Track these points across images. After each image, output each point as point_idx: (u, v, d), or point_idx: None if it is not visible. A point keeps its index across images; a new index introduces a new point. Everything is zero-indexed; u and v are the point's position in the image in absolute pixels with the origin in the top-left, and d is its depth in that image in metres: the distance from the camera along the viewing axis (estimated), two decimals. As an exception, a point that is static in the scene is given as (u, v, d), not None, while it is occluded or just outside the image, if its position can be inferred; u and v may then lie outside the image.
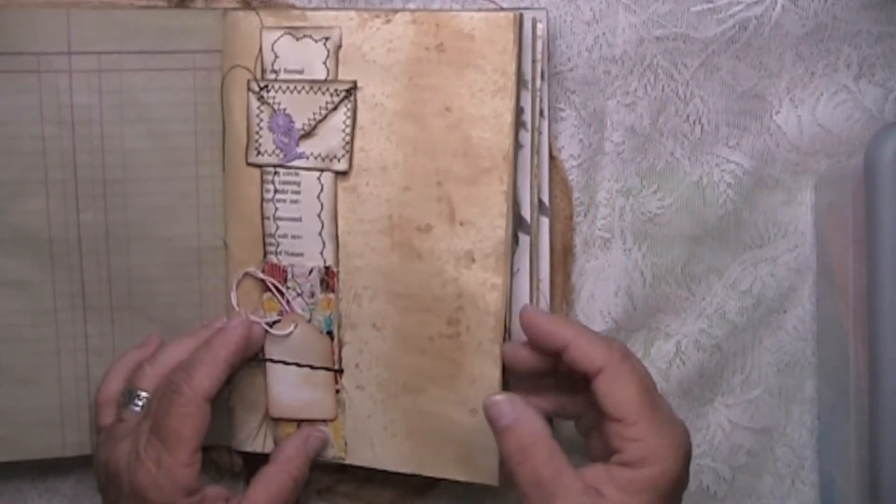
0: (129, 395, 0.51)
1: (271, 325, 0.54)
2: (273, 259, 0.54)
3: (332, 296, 0.54)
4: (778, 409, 0.60)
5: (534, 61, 0.53)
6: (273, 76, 0.53)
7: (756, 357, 0.60)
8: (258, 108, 0.53)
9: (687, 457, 0.48)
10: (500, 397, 0.49)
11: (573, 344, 0.48)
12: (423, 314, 0.53)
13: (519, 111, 0.52)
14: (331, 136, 0.52)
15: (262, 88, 0.53)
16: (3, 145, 0.53)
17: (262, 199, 0.54)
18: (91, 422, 0.55)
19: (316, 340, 0.54)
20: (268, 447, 0.56)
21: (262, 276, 0.54)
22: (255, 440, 0.56)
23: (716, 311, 0.59)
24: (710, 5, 0.56)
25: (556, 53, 0.56)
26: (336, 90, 0.52)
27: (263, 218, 0.54)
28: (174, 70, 0.53)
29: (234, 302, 0.54)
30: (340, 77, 0.52)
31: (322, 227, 0.53)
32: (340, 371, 0.54)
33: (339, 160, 0.53)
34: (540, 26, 0.53)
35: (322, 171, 0.53)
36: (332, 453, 0.55)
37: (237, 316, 0.53)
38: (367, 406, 0.54)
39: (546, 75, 0.54)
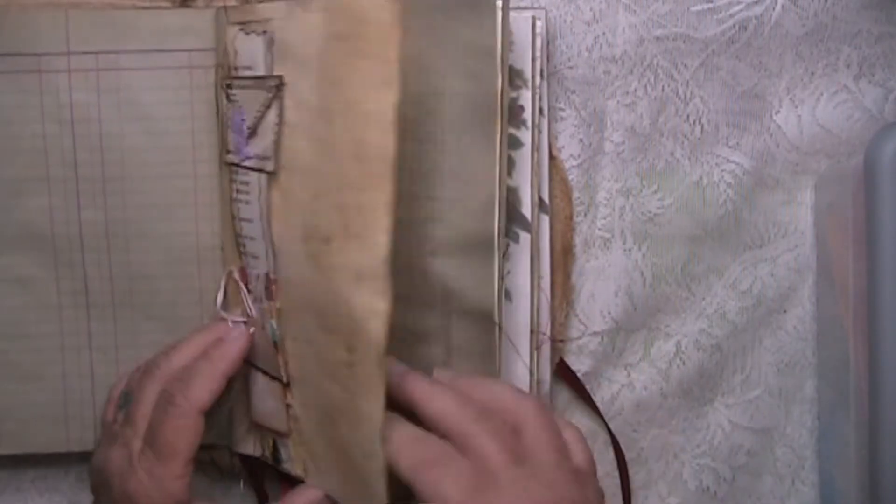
0: (126, 397, 0.51)
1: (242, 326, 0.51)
2: (243, 260, 0.52)
3: (272, 304, 0.50)
4: (778, 409, 0.60)
5: (533, 59, 0.53)
6: (235, 73, 0.50)
7: (756, 357, 0.59)
8: (226, 105, 0.51)
9: None
10: None
11: (392, 461, 0.45)
12: (330, 335, 0.47)
13: (518, 109, 0.52)
14: (265, 134, 0.48)
15: (227, 86, 0.51)
16: (6, 144, 0.53)
17: (231, 199, 0.52)
18: (95, 419, 0.55)
19: (267, 349, 0.51)
20: (256, 451, 0.54)
21: (236, 276, 0.52)
22: (246, 443, 0.55)
23: (716, 311, 0.59)
24: (710, 5, 0.56)
25: (556, 53, 0.56)
26: (269, 86, 0.48)
27: (233, 217, 0.52)
28: (171, 68, 0.53)
29: (218, 301, 0.53)
30: (276, 72, 0.48)
31: (263, 230, 0.49)
32: (287, 384, 0.50)
33: (269, 160, 0.48)
34: (539, 24, 0.53)
35: (259, 171, 0.49)
36: (295, 469, 0.52)
37: (237, 327, 0.51)
38: (310, 425, 0.50)
39: (546, 74, 0.54)
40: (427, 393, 0.46)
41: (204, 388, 0.48)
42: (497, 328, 0.51)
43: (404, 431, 0.46)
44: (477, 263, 0.51)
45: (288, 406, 0.51)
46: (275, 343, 0.50)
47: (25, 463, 0.57)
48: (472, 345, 0.52)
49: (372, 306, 0.44)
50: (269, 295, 0.50)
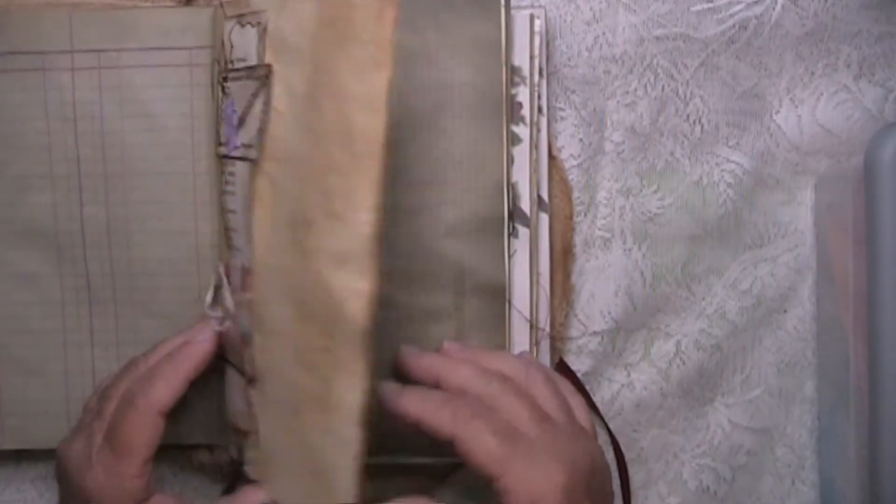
0: (106, 391, 0.51)
1: (220, 322, 0.51)
2: (230, 253, 0.52)
3: (247, 296, 0.49)
4: (778, 409, 0.60)
5: (531, 57, 0.53)
6: (231, 66, 0.51)
7: (756, 357, 0.59)
8: (221, 99, 0.51)
9: (573, 479, 0.45)
10: None
11: (420, 420, 0.46)
12: (308, 322, 0.46)
13: (517, 106, 0.52)
14: (253, 124, 0.49)
15: (222, 80, 0.51)
16: (11, 141, 0.54)
17: (221, 192, 0.52)
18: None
19: (237, 343, 0.50)
20: (232, 451, 0.53)
21: (221, 270, 0.52)
22: (228, 443, 0.54)
23: (716, 311, 0.59)
24: (710, 5, 0.56)
25: (556, 53, 0.56)
26: (258, 76, 0.48)
27: (223, 211, 0.52)
28: (171, 66, 0.53)
29: (208, 298, 0.52)
30: (266, 61, 0.48)
31: (246, 221, 0.49)
32: (253, 380, 0.49)
33: (253, 148, 0.48)
34: (538, 22, 0.53)
35: (245, 161, 0.49)
36: (254, 472, 0.50)
37: (206, 328, 0.51)
38: (272, 423, 0.49)
39: (545, 73, 0.54)
40: (448, 365, 0.49)
41: (164, 390, 0.48)
42: (507, 303, 0.53)
43: (437, 394, 0.48)
44: (489, 242, 0.52)
45: (250, 405, 0.50)
46: (244, 337, 0.49)
47: (27, 459, 0.57)
48: (483, 319, 0.53)
49: (352, 287, 0.43)
50: (244, 286, 0.49)
